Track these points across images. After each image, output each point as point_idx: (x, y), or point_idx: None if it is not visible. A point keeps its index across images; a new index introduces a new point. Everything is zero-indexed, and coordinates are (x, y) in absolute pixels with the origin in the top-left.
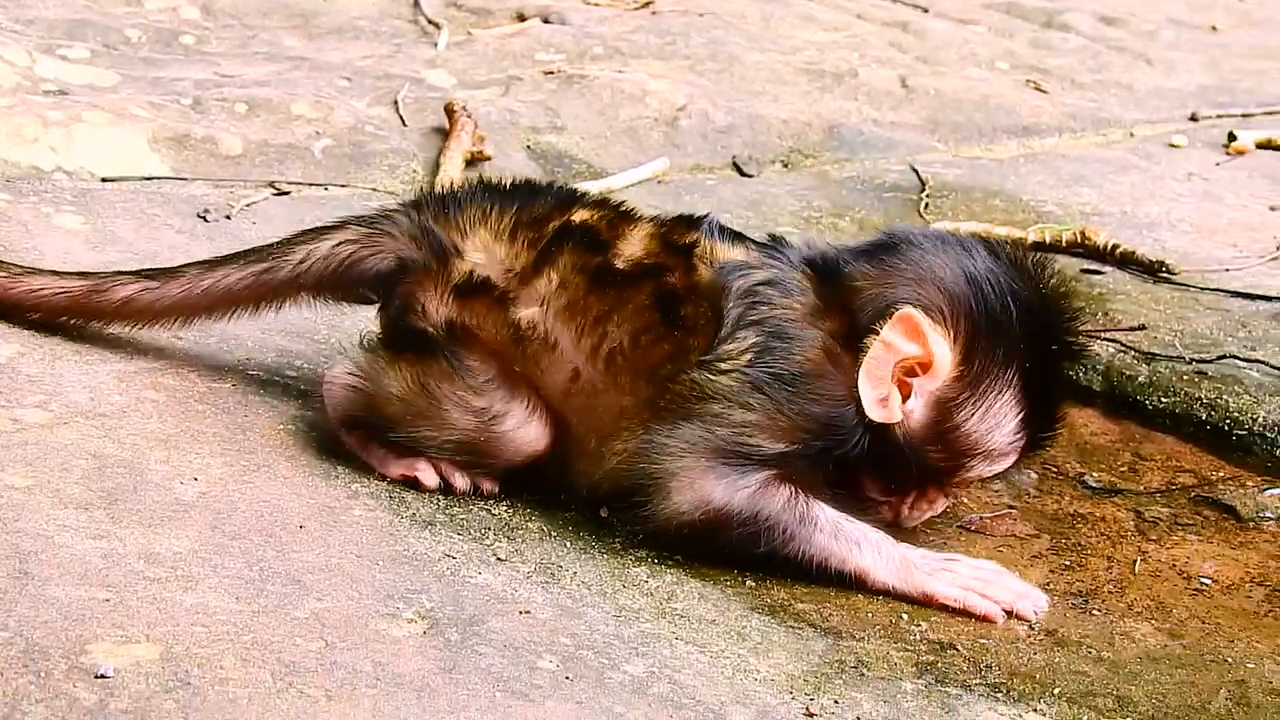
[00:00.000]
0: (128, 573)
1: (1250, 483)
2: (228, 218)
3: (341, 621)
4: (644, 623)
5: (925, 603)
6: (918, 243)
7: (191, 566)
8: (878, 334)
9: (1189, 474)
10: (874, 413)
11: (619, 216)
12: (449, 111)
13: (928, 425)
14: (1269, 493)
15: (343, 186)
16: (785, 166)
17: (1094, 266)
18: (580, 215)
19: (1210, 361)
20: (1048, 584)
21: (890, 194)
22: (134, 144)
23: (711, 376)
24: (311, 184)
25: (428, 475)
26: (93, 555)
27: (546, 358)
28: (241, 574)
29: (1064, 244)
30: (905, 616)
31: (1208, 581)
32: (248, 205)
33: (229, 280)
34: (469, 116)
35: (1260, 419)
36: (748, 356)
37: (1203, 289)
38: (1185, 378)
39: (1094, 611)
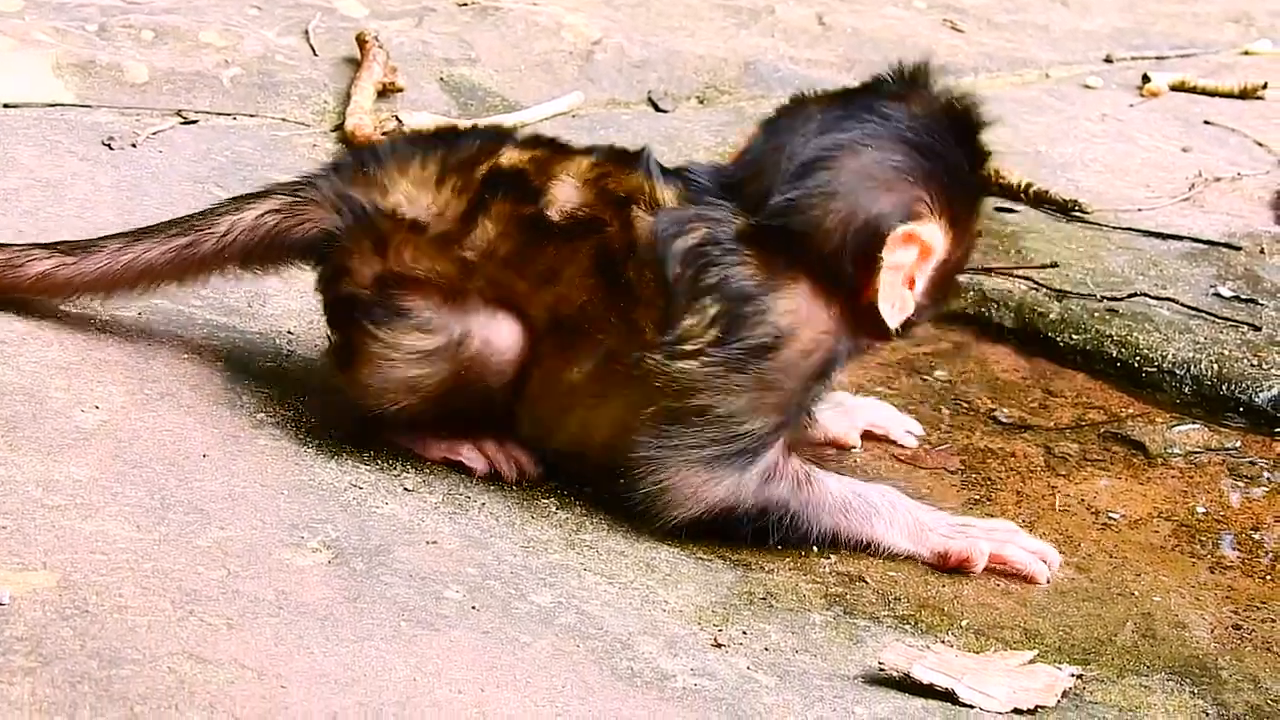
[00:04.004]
0: (25, 500)
1: (1159, 419)
2: (133, 146)
3: (245, 550)
4: (552, 554)
5: (940, 565)
6: (831, 145)
7: (91, 494)
8: (877, 262)
9: (1099, 410)
10: (894, 322)
11: (551, 155)
12: (360, 42)
13: (928, 291)
14: (1177, 429)
15: (251, 116)
16: (701, 102)
17: (1008, 205)
18: (510, 157)
19: (1121, 299)
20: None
21: None
22: (38, 70)
23: (682, 365)
24: (220, 113)
25: (475, 460)
26: None
27: (501, 292)
28: (142, 502)
29: None
30: (815, 549)
31: (1115, 516)
32: (154, 134)
33: (150, 255)
34: (380, 47)
35: (1169, 356)
36: (714, 332)
37: (1115, 228)
38: (1096, 315)
39: None
